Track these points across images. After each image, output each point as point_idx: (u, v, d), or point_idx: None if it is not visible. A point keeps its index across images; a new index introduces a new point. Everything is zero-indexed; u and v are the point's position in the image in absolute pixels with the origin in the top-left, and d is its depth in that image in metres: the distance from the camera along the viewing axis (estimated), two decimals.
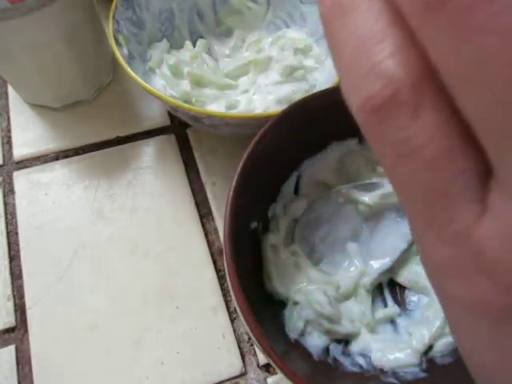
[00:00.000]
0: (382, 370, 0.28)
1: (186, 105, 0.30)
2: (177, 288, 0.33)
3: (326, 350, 0.28)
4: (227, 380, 0.30)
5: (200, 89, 0.38)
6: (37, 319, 0.32)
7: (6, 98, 0.42)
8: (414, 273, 0.31)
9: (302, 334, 0.28)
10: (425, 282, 0.31)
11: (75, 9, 0.34)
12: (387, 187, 0.31)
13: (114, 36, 0.34)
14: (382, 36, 0.09)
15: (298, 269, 0.30)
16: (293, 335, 0.28)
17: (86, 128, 0.40)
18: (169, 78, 0.37)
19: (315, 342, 0.28)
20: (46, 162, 0.39)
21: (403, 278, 0.31)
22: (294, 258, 0.30)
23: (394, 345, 0.29)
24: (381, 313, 0.30)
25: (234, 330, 0.32)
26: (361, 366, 0.28)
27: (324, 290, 0.29)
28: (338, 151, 0.33)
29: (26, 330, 0.31)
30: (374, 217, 0.31)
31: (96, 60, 0.40)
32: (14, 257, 0.34)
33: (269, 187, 0.31)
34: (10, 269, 0.34)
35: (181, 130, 0.41)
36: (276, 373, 0.31)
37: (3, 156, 0.39)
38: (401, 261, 0.31)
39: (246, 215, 0.28)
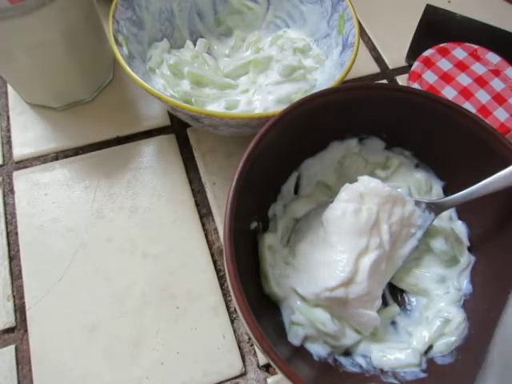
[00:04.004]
0: (382, 370, 0.28)
1: (186, 105, 0.30)
2: (177, 288, 0.33)
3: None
4: (227, 380, 0.30)
5: (200, 89, 0.38)
6: (37, 319, 0.32)
7: (6, 98, 0.42)
8: (413, 276, 0.31)
9: (304, 341, 0.28)
10: (423, 284, 0.31)
11: (75, 9, 0.34)
12: None
13: (114, 36, 0.34)
14: None
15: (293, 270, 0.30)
16: (295, 342, 0.28)
17: (85, 128, 0.40)
18: (169, 78, 0.37)
19: (317, 349, 0.28)
20: (45, 161, 0.39)
21: (403, 281, 0.31)
22: (290, 258, 0.30)
23: (394, 345, 0.29)
24: (381, 312, 0.30)
25: (234, 330, 0.32)
26: (361, 366, 0.28)
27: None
28: (338, 151, 0.33)
29: (26, 330, 0.31)
30: None
31: (96, 60, 0.40)
32: (13, 257, 0.34)
33: (269, 187, 0.31)
34: (10, 269, 0.34)
35: (181, 130, 0.41)
36: (276, 373, 0.31)
37: (3, 156, 0.39)
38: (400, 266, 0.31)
39: (246, 215, 0.28)
